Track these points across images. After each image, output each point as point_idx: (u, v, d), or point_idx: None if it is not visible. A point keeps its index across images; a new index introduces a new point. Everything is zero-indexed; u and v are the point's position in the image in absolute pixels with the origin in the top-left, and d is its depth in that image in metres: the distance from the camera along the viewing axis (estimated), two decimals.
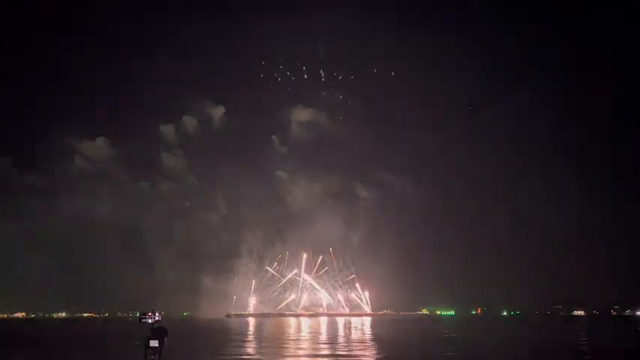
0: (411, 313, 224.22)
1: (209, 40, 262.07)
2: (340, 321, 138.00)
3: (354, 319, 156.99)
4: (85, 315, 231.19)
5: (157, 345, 10.29)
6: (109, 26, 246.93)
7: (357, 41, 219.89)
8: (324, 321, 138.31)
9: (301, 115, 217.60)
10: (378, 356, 36.19)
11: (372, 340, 55.14)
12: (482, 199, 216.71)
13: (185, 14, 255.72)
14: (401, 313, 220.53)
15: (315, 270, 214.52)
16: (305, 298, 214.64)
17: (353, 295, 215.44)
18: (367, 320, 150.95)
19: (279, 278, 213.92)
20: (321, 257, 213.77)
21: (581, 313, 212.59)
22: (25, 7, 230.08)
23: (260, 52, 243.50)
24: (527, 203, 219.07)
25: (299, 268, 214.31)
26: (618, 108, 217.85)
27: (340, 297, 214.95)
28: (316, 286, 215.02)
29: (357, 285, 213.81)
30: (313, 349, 43.18)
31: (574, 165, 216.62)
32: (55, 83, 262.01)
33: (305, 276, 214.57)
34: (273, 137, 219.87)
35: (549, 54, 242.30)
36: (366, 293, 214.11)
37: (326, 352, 39.70)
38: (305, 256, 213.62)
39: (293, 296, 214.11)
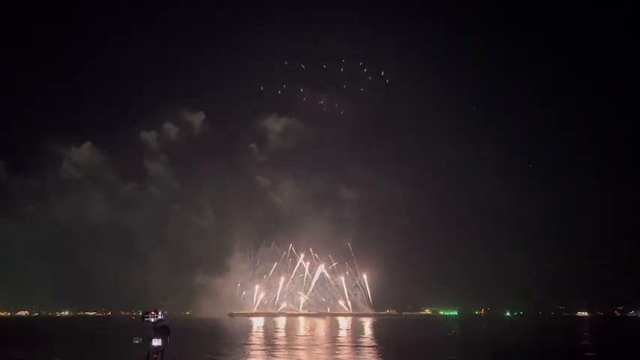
0: (414, 313, 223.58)
1: (188, 49, 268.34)
2: (355, 322, 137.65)
3: (356, 320, 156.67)
4: (91, 314, 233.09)
5: (159, 344, 10.10)
6: (95, 38, 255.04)
7: (344, 43, 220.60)
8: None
9: (276, 125, 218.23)
10: None
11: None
12: (484, 199, 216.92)
13: (167, 24, 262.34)
14: (403, 313, 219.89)
15: (315, 270, 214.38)
16: (307, 298, 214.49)
17: (355, 296, 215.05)
18: (375, 321, 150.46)
19: (280, 278, 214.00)
20: (312, 255, 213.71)
21: (584, 314, 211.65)
22: (14, 19, 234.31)
23: (241, 60, 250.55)
24: (529, 203, 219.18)
25: (301, 268, 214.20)
26: (617, 111, 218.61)
27: (343, 297, 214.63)
28: (317, 285, 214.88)
29: (359, 285, 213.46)
30: None
31: (576, 164, 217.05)
32: (43, 90, 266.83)
33: (307, 276, 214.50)
34: (252, 146, 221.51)
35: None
36: (366, 293, 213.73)
37: None
38: (302, 255, 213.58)
39: (298, 295, 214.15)
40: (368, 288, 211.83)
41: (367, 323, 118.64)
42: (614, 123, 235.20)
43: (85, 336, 70.13)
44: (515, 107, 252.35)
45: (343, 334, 70.88)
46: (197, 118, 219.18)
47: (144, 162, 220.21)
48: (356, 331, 79.12)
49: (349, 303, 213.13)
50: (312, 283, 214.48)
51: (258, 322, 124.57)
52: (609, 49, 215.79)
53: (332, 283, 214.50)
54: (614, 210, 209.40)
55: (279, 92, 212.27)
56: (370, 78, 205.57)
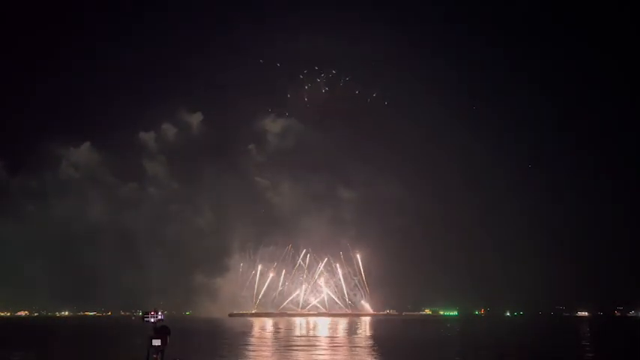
0: (414, 313, 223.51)
1: (186, 49, 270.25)
2: (356, 322, 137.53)
3: (356, 320, 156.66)
4: (91, 314, 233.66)
5: (159, 344, 10.12)
6: (92, 39, 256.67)
7: (344, 43, 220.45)
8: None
9: (274, 125, 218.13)
10: None
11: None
12: (484, 199, 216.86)
13: (166, 25, 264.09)
14: (404, 314, 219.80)
15: (314, 270, 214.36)
16: (306, 298, 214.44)
17: (355, 296, 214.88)
18: (375, 321, 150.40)
19: (279, 278, 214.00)
20: (312, 255, 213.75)
21: (584, 313, 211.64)
22: (14, 19, 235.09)
23: (240, 60, 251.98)
24: (529, 203, 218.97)
25: (300, 268, 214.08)
26: (617, 110, 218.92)
27: (342, 296, 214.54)
28: (316, 285, 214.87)
29: (358, 285, 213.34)
30: None
31: (575, 164, 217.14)
32: (42, 90, 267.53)
33: (306, 276, 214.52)
34: (250, 146, 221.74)
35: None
36: (366, 293, 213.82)
37: None
38: (301, 255, 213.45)
39: (297, 295, 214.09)
40: (367, 286, 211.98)
41: (367, 323, 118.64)
42: (615, 123, 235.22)
43: (84, 336, 70.13)
44: (516, 107, 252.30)
45: (343, 334, 70.86)
46: (195, 119, 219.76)
47: (142, 162, 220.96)
48: (356, 331, 79.10)
49: (348, 302, 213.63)
50: (312, 283, 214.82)
51: (258, 322, 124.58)
52: (610, 49, 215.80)
53: (331, 283, 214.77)
54: (614, 209, 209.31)
55: (278, 93, 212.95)
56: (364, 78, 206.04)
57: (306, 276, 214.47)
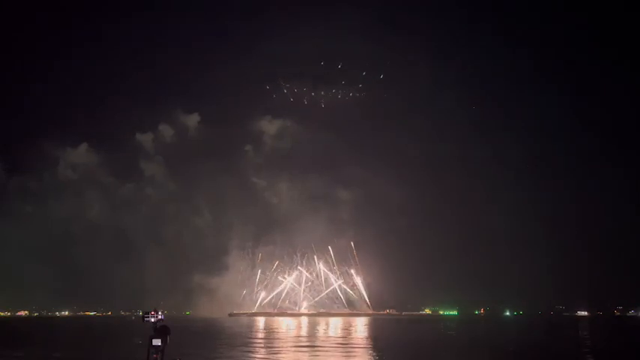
0: (414, 312, 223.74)
1: (184, 50, 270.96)
2: (355, 322, 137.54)
3: (355, 319, 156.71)
4: (91, 313, 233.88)
5: (159, 344, 10.15)
6: (90, 39, 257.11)
7: (342, 44, 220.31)
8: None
9: (271, 126, 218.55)
10: None
11: None
12: (483, 198, 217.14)
13: (164, 25, 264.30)
14: (403, 313, 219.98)
15: (313, 270, 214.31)
16: (305, 298, 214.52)
17: (354, 295, 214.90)
18: (374, 321, 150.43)
19: (278, 278, 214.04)
20: (310, 255, 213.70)
21: (584, 313, 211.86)
22: (13, 20, 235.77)
23: (237, 61, 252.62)
24: (529, 202, 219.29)
25: (298, 268, 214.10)
26: (617, 110, 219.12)
27: (342, 296, 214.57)
28: (315, 285, 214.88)
29: (359, 284, 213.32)
30: None
31: (574, 164, 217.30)
32: (40, 91, 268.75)
33: (305, 276, 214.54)
34: (247, 147, 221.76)
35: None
36: (365, 292, 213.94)
37: None
38: (299, 255, 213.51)
39: (296, 295, 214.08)
40: (363, 283, 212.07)
41: (367, 323, 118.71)
42: (615, 123, 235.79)
43: (85, 336, 70.18)
44: (516, 107, 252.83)
45: (342, 333, 70.92)
46: (192, 120, 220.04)
47: (140, 163, 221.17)
48: (356, 330, 79.19)
49: (345, 302, 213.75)
50: (311, 283, 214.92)
51: (257, 322, 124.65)
52: (610, 49, 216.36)
53: (330, 282, 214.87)
54: (614, 209, 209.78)
55: (275, 94, 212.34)
56: (364, 75, 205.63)
57: (305, 276, 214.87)
